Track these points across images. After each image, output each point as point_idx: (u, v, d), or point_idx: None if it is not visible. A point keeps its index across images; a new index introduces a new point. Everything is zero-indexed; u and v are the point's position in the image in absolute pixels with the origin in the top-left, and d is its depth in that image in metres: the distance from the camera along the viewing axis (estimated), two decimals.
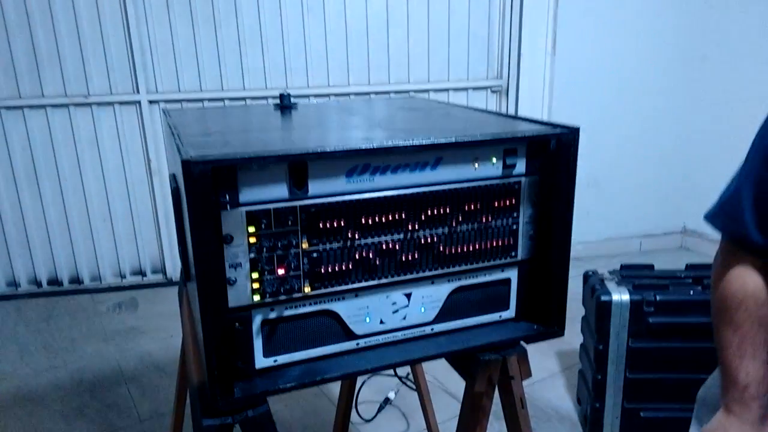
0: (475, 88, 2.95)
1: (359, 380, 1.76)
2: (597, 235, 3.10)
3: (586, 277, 1.77)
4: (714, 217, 1.01)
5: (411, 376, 1.75)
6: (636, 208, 3.14)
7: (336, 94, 2.79)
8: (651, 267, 1.76)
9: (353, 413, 1.70)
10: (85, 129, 2.63)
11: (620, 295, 1.61)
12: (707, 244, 3.01)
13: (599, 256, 2.98)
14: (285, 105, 1.14)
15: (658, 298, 1.59)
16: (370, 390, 1.95)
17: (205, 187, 0.68)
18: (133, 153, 2.70)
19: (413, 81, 2.85)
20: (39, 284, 2.77)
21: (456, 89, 2.92)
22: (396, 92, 2.83)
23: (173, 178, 0.92)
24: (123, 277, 2.84)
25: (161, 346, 2.31)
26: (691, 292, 1.59)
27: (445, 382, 1.99)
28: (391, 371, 1.68)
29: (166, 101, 2.65)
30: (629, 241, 3.17)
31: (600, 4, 2.85)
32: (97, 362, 2.22)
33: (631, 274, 1.71)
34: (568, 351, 2.17)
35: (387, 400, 1.93)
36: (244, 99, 2.73)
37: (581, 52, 2.90)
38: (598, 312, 1.62)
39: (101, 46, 2.54)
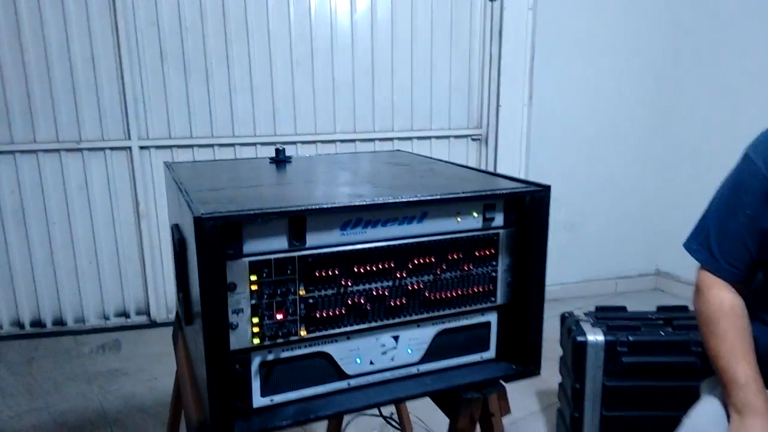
0: (456, 137, 3.08)
1: (344, 420, 1.80)
2: (574, 277, 3.20)
3: (563, 318, 1.85)
4: (691, 250, 1.19)
5: (395, 416, 1.79)
6: (611, 251, 3.26)
7: (323, 141, 2.90)
8: (624, 309, 1.85)
9: None
10: (76, 173, 2.68)
11: (595, 336, 1.69)
12: (680, 286, 3.12)
13: (576, 297, 3.07)
14: (280, 159, 1.22)
15: (630, 338, 1.67)
16: (355, 431, 1.98)
17: (215, 240, 0.75)
18: (122, 197, 2.75)
19: (397, 129, 2.97)
20: (22, 326, 2.76)
21: (438, 137, 3.04)
22: (381, 140, 2.94)
23: (176, 228, 0.99)
24: (107, 318, 2.85)
25: (145, 388, 2.32)
26: (662, 333, 1.68)
27: (428, 421, 2.03)
28: (376, 410, 1.72)
29: (157, 147, 2.72)
30: (605, 283, 3.27)
31: (574, 58, 3.03)
32: (80, 404, 2.21)
33: (605, 316, 1.79)
34: (547, 390, 2.23)
35: None
36: (233, 145, 2.82)
37: (557, 102, 3.06)
38: (575, 352, 1.70)
39: (95, 95, 2.62)
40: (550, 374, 2.03)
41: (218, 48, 2.72)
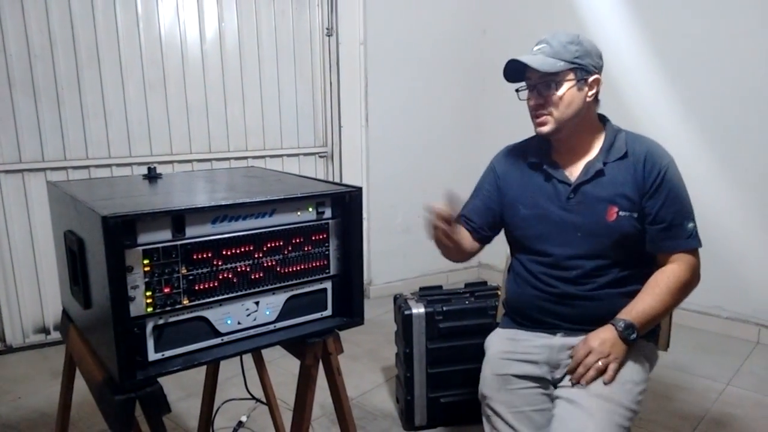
0: (305, 154, 3.44)
1: (215, 405, 2.04)
2: (413, 273, 3.71)
3: (395, 299, 2.27)
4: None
5: (261, 402, 2.07)
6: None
7: (179, 161, 3.10)
8: (440, 287, 2.32)
9: None
10: None
11: (419, 309, 2.13)
12: (495, 274, 3.76)
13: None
14: (152, 176, 1.49)
15: (444, 308, 2.13)
16: (224, 418, 2.23)
17: (118, 234, 1.02)
18: None
19: (251, 149, 3.26)
20: None
21: (289, 155, 3.39)
22: (236, 159, 3.21)
23: (70, 233, 1.23)
24: None
25: (9, 408, 2.35)
26: (467, 302, 2.17)
27: (291, 402, 2.33)
28: (247, 394, 1.97)
29: (6, 171, 2.74)
30: (439, 276, 3.82)
31: (400, 85, 3.56)
32: None
33: (426, 294, 2.24)
34: (390, 366, 2.65)
35: (240, 424, 2.22)
36: (87, 167, 2.91)
37: (389, 123, 3.56)
38: (404, 323, 2.13)
39: None
40: (392, 353, 2.45)
41: (69, 74, 2.81)
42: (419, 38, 3.58)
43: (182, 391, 2.46)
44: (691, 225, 1.47)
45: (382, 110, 3.51)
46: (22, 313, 2.87)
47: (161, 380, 1.11)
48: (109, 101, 2.91)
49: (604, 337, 1.40)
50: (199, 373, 1.96)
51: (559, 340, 1.51)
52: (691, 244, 1.47)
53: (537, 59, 1.48)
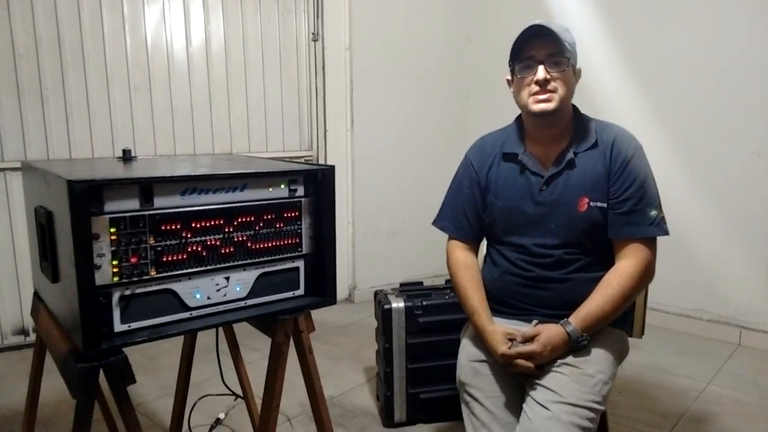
0: (290, 158, 3.45)
1: (189, 404, 2.00)
2: (397, 278, 3.67)
3: (375, 294, 2.27)
4: (437, 225, 1.70)
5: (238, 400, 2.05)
6: (425, 253, 3.81)
7: None
8: (421, 283, 2.32)
9: None
10: None
11: (398, 304, 2.12)
12: None
13: None
14: (127, 158, 1.49)
15: (424, 303, 2.13)
16: (202, 415, 2.20)
17: (84, 199, 1.02)
18: None
19: (236, 151, 3.27)
20: None
21: (274, 158, 3.38)
22: None
23: (41, 207, 1.22)
24: None
25: None
26: (446, 297, 2.16)
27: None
28: (225, 390, 1.93)
29: None
30: (423, 281, 3.81)
31: (385, 90, 3.59)
32: None
33: (406, 289, 2.24)
34: (372, 367, 2.63)
35: (218, 421, 2.19)
36: None
37: (374, 127, 3.59)
38: (383, 318, 2.12)
39: None
40: (374, 355, 2.43)
41: (54, 74, 2.82)
42: (405, 44, 3.63)
43: (161, 389, 2.43)
44: (654, 213, 1.44)
45: (368, 115, 3.54)
46: (2, 315, 2.84)
47: (133, 361, 1.10)
48: (93, 102, 2.92)
49: (554, 342, 1.39)
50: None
51: (533, 327, 1.51)
52: (652, 231, 1.44)
53: (560, 29, 1.45)
